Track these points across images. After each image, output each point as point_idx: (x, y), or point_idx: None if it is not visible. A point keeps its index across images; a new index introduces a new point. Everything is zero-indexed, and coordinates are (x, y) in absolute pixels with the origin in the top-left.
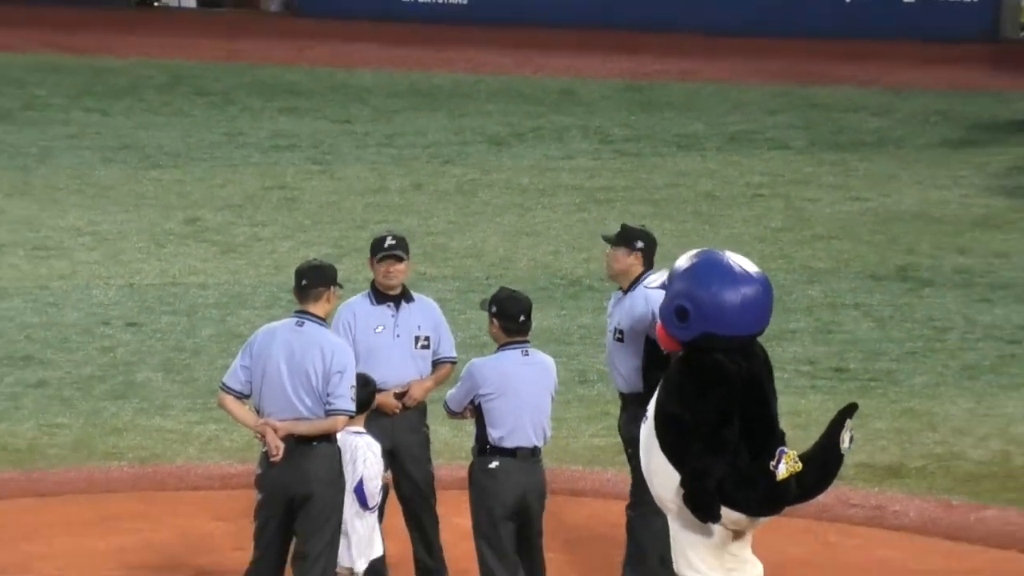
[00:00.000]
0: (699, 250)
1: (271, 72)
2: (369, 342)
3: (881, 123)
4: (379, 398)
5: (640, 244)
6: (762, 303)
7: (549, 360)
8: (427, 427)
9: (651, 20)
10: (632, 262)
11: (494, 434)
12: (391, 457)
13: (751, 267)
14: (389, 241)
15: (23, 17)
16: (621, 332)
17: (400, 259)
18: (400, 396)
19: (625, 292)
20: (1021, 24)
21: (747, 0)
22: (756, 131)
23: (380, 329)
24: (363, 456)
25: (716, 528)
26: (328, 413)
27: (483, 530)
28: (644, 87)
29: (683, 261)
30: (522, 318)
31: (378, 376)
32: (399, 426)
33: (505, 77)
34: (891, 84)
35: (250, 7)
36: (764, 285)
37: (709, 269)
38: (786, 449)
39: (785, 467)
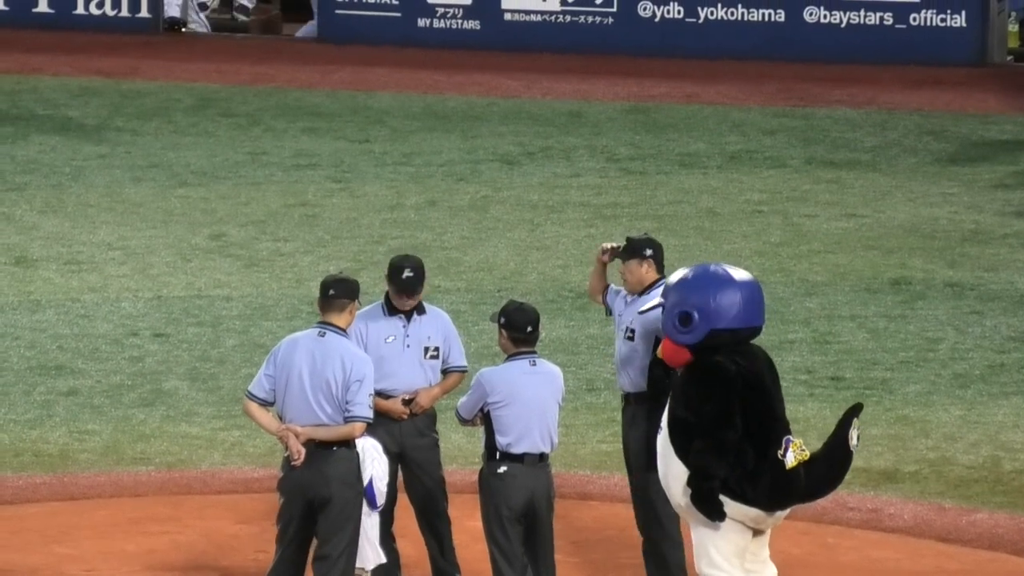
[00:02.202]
0: (691, 266)
1: (294, 95)
2: (380, 351)
3: (875, 143)
4: (387, 404)
5: (649, 251)
6: (756, 297)
7: (556, 369)
8: (436, 433)
9: (654, 46)
10: (646, 270)
11: (502, 440)
12: (400, 461)
13: (737, 270)
14: (407, 274)
15: (57, 42)
16: (632, 331)
17: (414, 295)
18: (407, 403)
19: (638, 295)
20: (1008, 50)
21: (746, 26)
22: (755, 150)
23: (391, 339)
24: (371, 457)
25: (736, 527)
26: (347, 420)
27: (492, 532)
28: (648, 109)
29: (674, 278)
30: (529, 329)
31: (387, 384)
32: (407, 431)
33: (515, 100)
34: (884, 106)
35: (274, 33)
36: (753, 282)
37: (702, 275)
38: (792, 438)
39: (793, 455)
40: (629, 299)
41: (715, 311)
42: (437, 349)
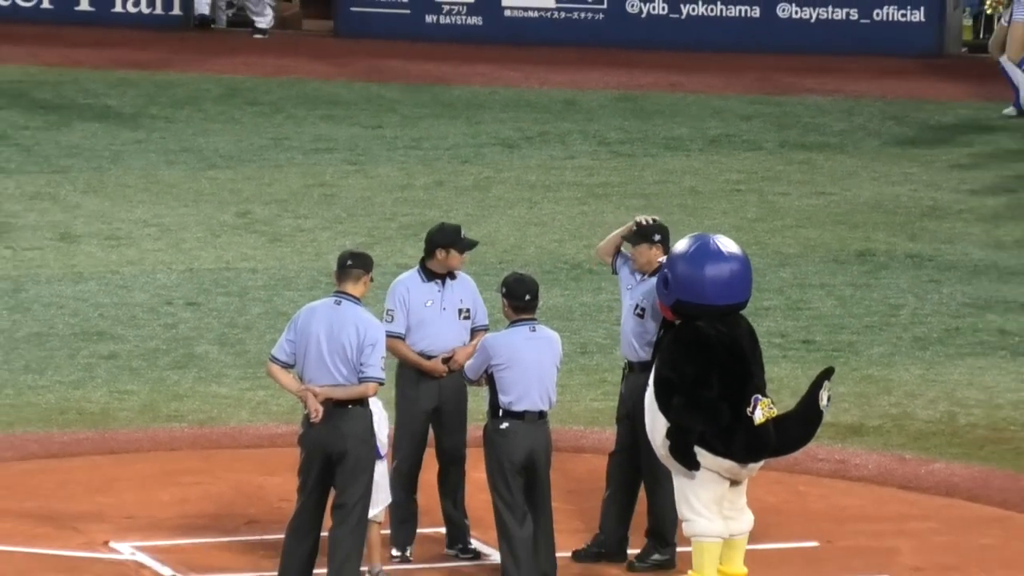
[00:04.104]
0: (697, 233)
1: (313, 85)
2: (420, 314)
3: (842, 127)
4: (428, 364)
5: (657, 237)
6: (727, 280)
7: (554, 335)
8: (468, 391)
9: (641, 39)
10: (655, 253)
11: (505, 399)
12: (435, 416)
13: (731, 248)
14: (468, 235)
15: (97, 38)
16: (643, 309)
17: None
18: (446, 361)
19: (648, 275)
20: (962, 42)
21: (725, 21)
22: (734, 134)
23: (429, 303)
24: (377, 412)
25: (714, 477)
26: (361, 380)
27: (495, 483)
28: (636, 97)
29: (681, 240)
30: (527, 298)
31: (427, 344)
32: (445, 388)
33: (515, 89)
34: (851, 94)
35: (294, 29)
36: (736, 266)
37: (690, 248)
38: (761, 397)
39: (761, 412)
40: (639, 277)
41: (683, 285)
42: (468, 310)
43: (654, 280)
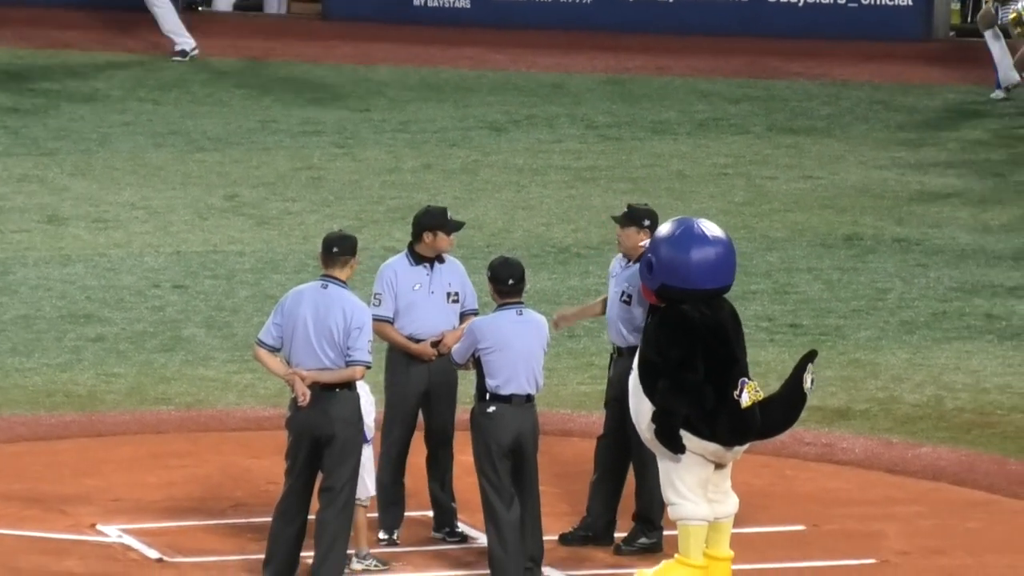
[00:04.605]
0: (681, 216)
1: (301, 68)
2: (408, 298)
3: (830, 111)
4: (417, 347)
5: (647, 222)
6: (720, 262)
7: (541, 318)
8: (457, 374)
9: (630, 22)
10: (642, 238)
11: (492, 383)
12: (425, 399)
13: (715, 232)
14: (454, 217)
15: (86, 20)
16: (629, 296)
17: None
18: (435, 345)
19: (633, 262)
20: (950, 26)
21: (713, 5)
22: (721, 118)
23: (417, 287)
24: (364, 396)
25: (699, 461)
26: (348, 364)
27: (483, 466)
28: (624, 80)
29: (664, 224)
30: (510, 281)
31: (416, 328)
32: (434, 372)
33: (503, 72)
34: (838, 78)
35: (282, 12)
36: (720, 249)
37: (674, 232)
38: (747, 380)
39: (748, 395)
40: (624, 263)
41: (668, 269)
42: (457, 294)
43: (638, 268)
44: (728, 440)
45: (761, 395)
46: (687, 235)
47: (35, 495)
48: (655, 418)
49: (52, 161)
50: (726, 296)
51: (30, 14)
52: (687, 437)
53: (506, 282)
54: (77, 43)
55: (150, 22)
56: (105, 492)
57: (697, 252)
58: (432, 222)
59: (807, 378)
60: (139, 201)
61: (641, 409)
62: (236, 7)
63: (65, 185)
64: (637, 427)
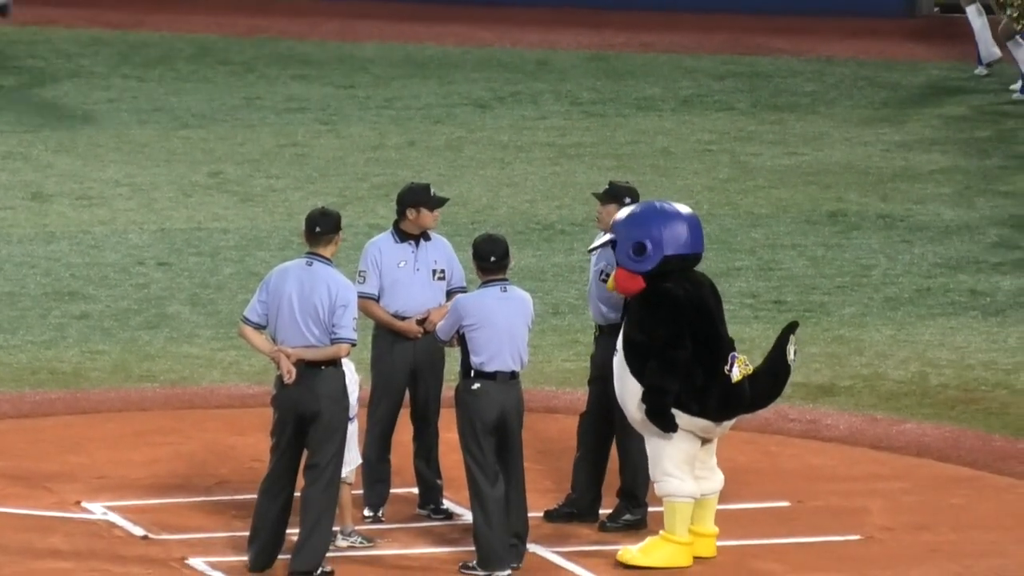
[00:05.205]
0: (631, 205)
1: (286, 44)
2: (393, 275)
3: (814, 88)
4: (402, 325)
5: (628, 199)
6: (697, 227)
7: (526, 295)
8: (443, 351)
9: None
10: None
11: (476, 360)
12: (411, 377)
13: (678, 204)
14: (437, 193)
15: None
16: (607, 274)
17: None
18: (421, 322)
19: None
20: (935, 2)
21: None
22: (706, 95)
23: (402, 264)
24: (348, 374)
25: (686, 437)
26: (333, 341)
27: (467, 443)
28: (608, 57)
29: (622, 214)
30: (492, 259)
31: (401, 306)
32: (420, 349)
33: (488, 49)
34: (823, 54)
35: None
36: (694, 215)
37: (650, 210)
38: (737, 355)
39: (738, 370)
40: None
41: (666, 239)
42: (443, 271)
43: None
44: (717, 416)
45: (751, 369)
46: (665, 209)
47: (19, 472)
48: (645, 398)
49: (36, 138)
50: (703, 271)
51: None
52: (677, 414)
53: (488, 259)
54: (61, 19)
55: None
56: (90, 469)
57: (684, 218)
58: (415, 198)
59: (790, 350)
60: (123, 178)
61: (627, 388)
62: None
63: (49, 162)
64: (623, 407)
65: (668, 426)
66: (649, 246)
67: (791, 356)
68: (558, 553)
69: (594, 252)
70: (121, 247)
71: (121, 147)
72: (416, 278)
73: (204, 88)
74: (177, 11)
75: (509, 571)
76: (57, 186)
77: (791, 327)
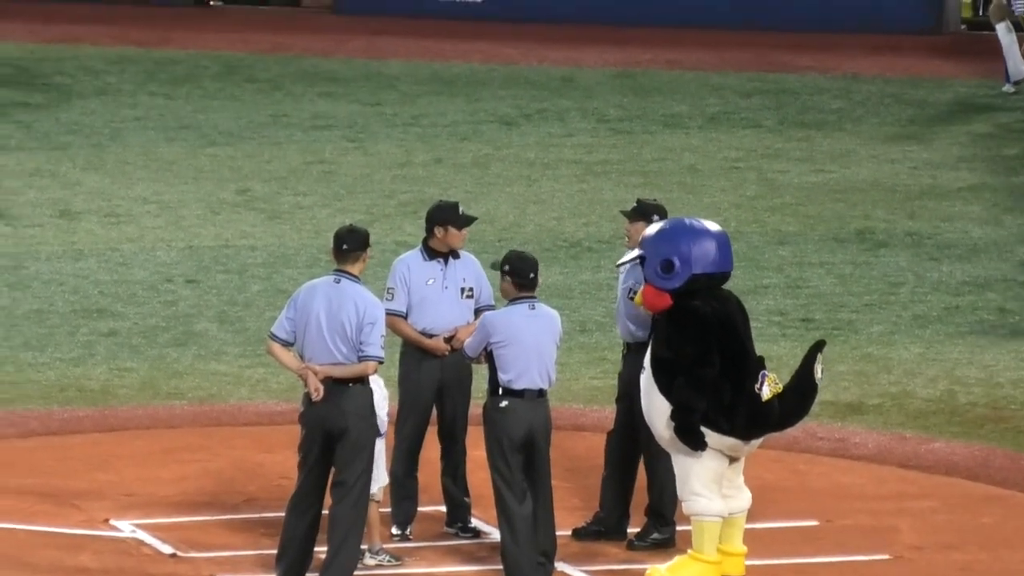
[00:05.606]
0: (660, 221)
1: (312, 62)
2: (421, 293)
3: (841, 105)
4: (431, 343)
5: (656, 217)
6: (726, 245)
7: (554, 313)
8: (470, 369)
9: (640, 16)
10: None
11: (504, 377)
12: (438, 394)
13: (707, 222)
14: (466, 211)
15: (98, 14)
16: (635, 292)
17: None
18: (448, 340)
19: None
20: (961, 19)
21: None
22: (733, 112)
23: (431, 282)
24: (377, 390)
25: (714, 456)
26: (361, 359)
27: (495, 461)
28: (635, 74)
29: (651, 231)
30: (531, 275)
31: (429, 323)
32: (447, 367)
33: (514, 66)
34: (849, 71)
35: (294, 5)
36: (723, 232)
37: (679, 227)
38: (767, 373)
39: (768, 388)
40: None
41: (694, 257)
42: (472, 289)
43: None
44: (746, 433)
45: (780, 387)
46: (694, 226)
47: (48, 490)
48: (674, 416)
49: (64, 155)
50: (730, 289)
51: (42, 9)
52: (705, 432)
53: (527, 276)
54: (88, 37)
55: (163, 16)
56: (118, 487)
57: (713, 236)
58: (443, 217)
59: (817, 368)
60: (151, 196)
61: (655, 407)
62: (227, 1)
63: (77, 180)
64: (650, 425)
65: (697, 444)
66: (677, 264)
67: (819, 375)
68: (586, 572)
69: (622, 269)
70: (149, 264)
71: (149, 165)
72: (444, 296)
73: (231, 106)
74: (203, 29)
75: None
76: (85, 203)
77: (819, 345)
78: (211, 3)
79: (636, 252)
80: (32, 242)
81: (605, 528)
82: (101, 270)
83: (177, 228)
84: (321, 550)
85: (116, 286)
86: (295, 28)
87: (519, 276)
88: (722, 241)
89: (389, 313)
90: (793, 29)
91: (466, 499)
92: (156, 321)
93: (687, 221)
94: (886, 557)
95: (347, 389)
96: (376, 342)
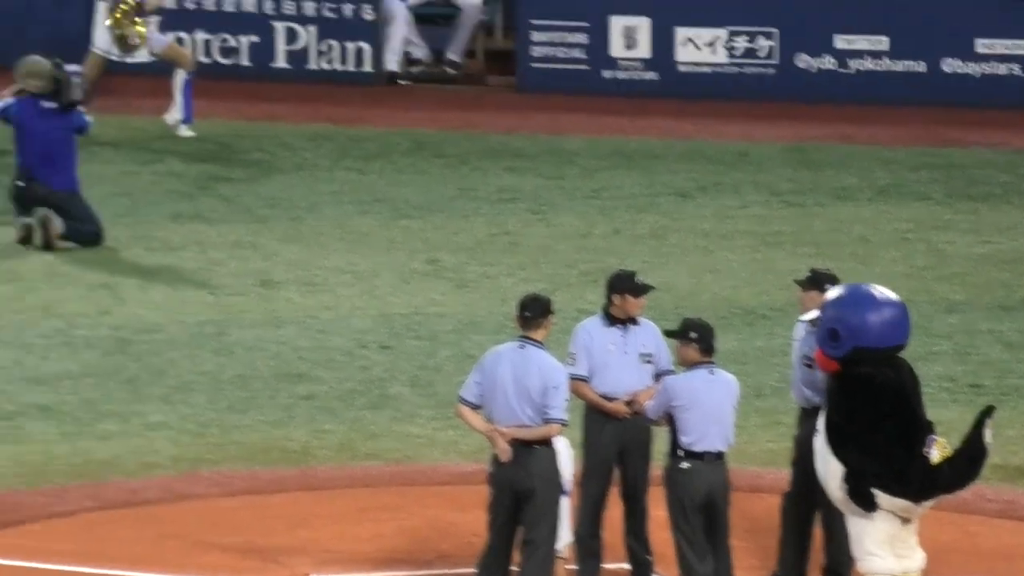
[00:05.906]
0: (846, 285)
1: (497, 138)
2: (603, 358)
3: (1008, 179)
4: (612, 406)
5: (828, 286)
6: (899, 320)
7: (732, 377)
8: (651, 431)
9: (812, 94)
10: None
11: (685, 440)
12: (620, 455)
13: (888, 293)
14: (640, 279)
15: (293, 94)
16: (810, 359)
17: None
18: (629, 403)
19: (816, 326)
20: None
21: (893, 75)
22: (902, 185)
23: (612, 347)
24: (563, 450)
25: (887, 517)
26: (545, 421)
27: (677, 521)
28: (807, 148)
29: (832, 294)
30: (713, 342)
31: (609, 387)
32: (628, 429)
33: (690, 141)
34: (1017, 146)
35: (480, 85)
36: (900, 306)
37: (853, 296)
38: (936, 437)
39: (937, 452)
40: (808, 328)
41: (859, 331)
42: (651, 355)
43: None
44: (917, 496)
45: (949, 451)
46: (869, 297)
47: (252, 547)
48: (847, 479)
49: (264, 228)
50: (902, 355)
51: (243, 88)
52: (877, 495)
53: (711, 342)
54: (286, 115)
55: (356, 95)
56: (318, 544)
57: (885, 311)
58: (620, 285)
59: (987, 432)
60: (346, 265)
61: (829, 470)
62: (416, 80)
63: (276, 250)
64: (825, 487)
65: (869, 506)
66: (842, 334)
67: (988, 439)
68: None
69: (796, 336)
70: (345, 331)
71: (344, 236)
72: (625, 361)
73: (421, 180)
74: (394, 107)
75: None
76: (284, 273)
77: (988, 411)
78: (401, 82)
79: (816, 313)
80: (235, 310)
81: None
82: (300, 336)
83: (371, 296)
84: None
85: (314, 352)
86: (481, 106)
87: (704, 343)
88: (892, 315)
89: (572, 378)
90: (962, 106)
91: (648, 557)
92: (352, 385)
93: (862, 289)
94: None
95: (533, 451)
96: (560, 405)
